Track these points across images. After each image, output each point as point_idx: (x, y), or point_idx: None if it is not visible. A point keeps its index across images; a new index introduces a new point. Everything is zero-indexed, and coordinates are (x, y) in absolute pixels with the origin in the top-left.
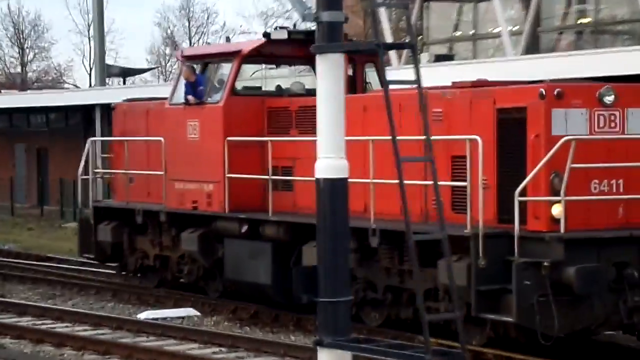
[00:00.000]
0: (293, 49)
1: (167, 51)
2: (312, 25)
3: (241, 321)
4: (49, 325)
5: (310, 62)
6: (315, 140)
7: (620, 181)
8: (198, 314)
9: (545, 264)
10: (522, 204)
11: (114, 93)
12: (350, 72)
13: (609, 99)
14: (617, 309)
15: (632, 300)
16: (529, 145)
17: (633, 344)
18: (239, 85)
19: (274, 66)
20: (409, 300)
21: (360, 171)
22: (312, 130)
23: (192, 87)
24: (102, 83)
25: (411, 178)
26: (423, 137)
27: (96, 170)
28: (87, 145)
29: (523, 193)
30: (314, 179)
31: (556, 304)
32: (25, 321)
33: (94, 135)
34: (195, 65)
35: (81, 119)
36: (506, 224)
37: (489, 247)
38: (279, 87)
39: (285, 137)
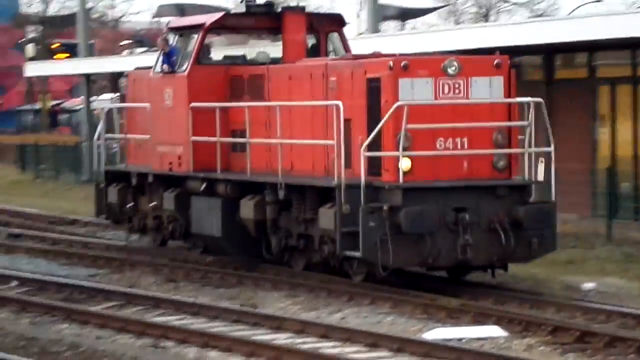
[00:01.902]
0: (256, 21)
1: None
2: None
3: (563, 345)
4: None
5: (272, 33)
6: (262, 107)
7: (465, 139)
8: (504, 334)
9: (385, 208)
10: (377, 159)
11: (390, 41)
12: (313, 41)
13: (452, 69)
14: (454, 246)
15: (464, 238)
16: (382, 110)
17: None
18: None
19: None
20: (313, 245)
21: (287, 133)
22: (260, 97)
23: (168, 57)
24: (375, 29)
25: (318, 138)
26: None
27: (105, 136)
28: (102, 113)
29: (375, 149)
30: (268, 141)
31: (392, 242)
32: (283, 338)
33: None
34: (173, 36)
35: None
36: (374, 176)
37: (352, 196)
38: (243, 56)
39: (239, 102)
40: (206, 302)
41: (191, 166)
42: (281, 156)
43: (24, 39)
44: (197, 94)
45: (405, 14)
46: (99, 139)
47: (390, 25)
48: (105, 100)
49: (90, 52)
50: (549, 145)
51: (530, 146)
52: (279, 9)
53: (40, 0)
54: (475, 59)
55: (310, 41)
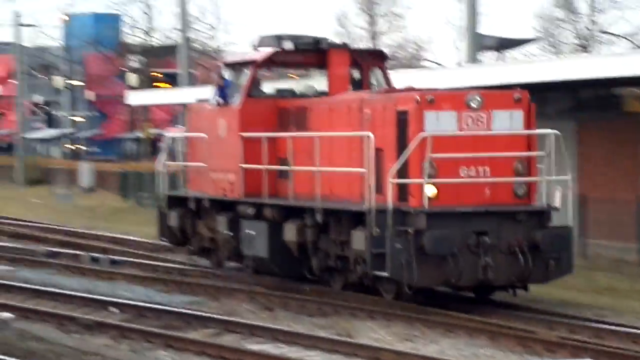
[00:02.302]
0: (303, 57)
1: (560, 15)
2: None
3: None
4: None
5: (318, 67)
6: (308, 137)
7: (487, 168)
8: None
9: (409, 231)
10: (405, 186)
11: (488, 72)
12: (357, 75)
13: (475, 103)
14: (475, 267)
15: (484, 260)
16: (409, 140)
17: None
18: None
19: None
20: (349, 266)
21: (327, 161)
22: (304, 128)
23: (222, 91)
24: (473, 59)
25: (354, 166)
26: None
27: (166, 163)
28: (166, 141)
29: (403, 177)
30: (305, 168)
31: (417, 262)
32: None
33: None
34: (227, 71)
35: None
36: (402, 201)
37: (381, 220)
38: (291, 90)
39: (285, 133)
40: (302, 331)
41: (242, 192)
42: (319, 183)
43: (126, 68)
44: (248, 125)
45: (503, 45)
46: (161, 166)
47: (488, 56)
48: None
49: (191, 82)
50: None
51: (548, 175)
52: (325, 46)
53: (143, 31)
54: (497, 94)
55: (355, 75)
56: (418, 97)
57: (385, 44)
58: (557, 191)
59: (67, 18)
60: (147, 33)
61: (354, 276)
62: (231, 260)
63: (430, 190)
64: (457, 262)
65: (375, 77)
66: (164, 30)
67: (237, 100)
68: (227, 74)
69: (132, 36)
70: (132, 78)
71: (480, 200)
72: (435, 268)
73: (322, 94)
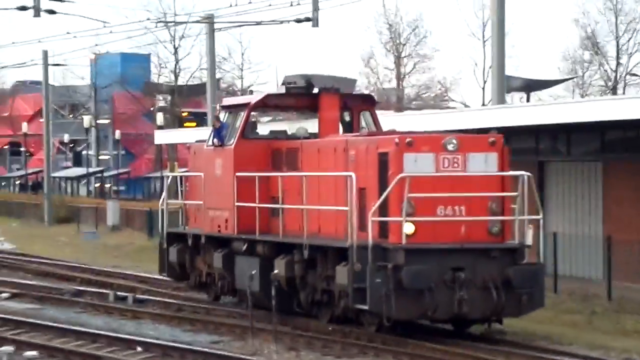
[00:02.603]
0: (295, 100)
1: (586, 57)
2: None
3: None
4: None
5: (310, 110)
6: (297, 176)
7: (463, 207)
8: None
9: (389, 266)
10: (385, 223)
11: (515, 113)
12: (347, 118)
13: (451, 146)
14: (451, 301)
15: (459, 294)
16: (389, 180)
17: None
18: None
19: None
20: (334, 299)
21: (315, 200)
22: (295, 168)
23: (218, 132)
24: (501, 100)
25: (340, 205)
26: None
27: (167, 201)
28: (166, 180)
29: (384, 215)
30: (293, 206)
31: (395, 296)
32: None
33: None
34: (224, 113)
35: None
36: (384, 238)
37: (363, 255)
38: (284, 131)
39: (277, 173)
40: None
41: (235, 229)
42: (307, 220)
43: (154, 108)
44: (242, 164)
45: (530, 86)
46: (162, 204)
47: (515, 97)
48: None
49: None
50: (539, 214)
51: (521, 214)
52: (316, 90)
53: (171, 71)
54: (472, 137)
55: (347, 118)
56: (397, 140)
57: (411, 85)
58: (529, 229)
59: (94, 57)
60: (174, 72)
61: (339, 310)
62: (227, 294)
63: (408, 228)
64: (434, 296)
65: (365, 119)
66: (192, 69)
67: (232, 141)
68: (223, 116)
69: (159, 75)
70: (159, 117)
71: (456, 238)
72: (412, 302)
73: (313, 135)
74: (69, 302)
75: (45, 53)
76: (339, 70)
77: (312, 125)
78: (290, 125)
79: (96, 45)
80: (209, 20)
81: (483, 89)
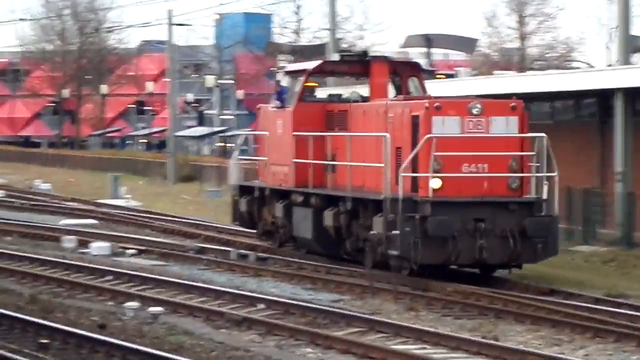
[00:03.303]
0: (348, 67)
1: None
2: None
3: None
4: None
5: (362, 76)
6: (344, 136)
7: (486, 165)
8: None
9: (417, 216)
10: (414, 178)
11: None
12: (399, 83)
13: (476, 110)
14: (473, 249)
15: (480, 242)
16: (419, 141)
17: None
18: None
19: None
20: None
21: (361, 157)
22: (344, 129)
23: (280, 95)
24: (626, 61)
25: (379, 162)
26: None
27: (238, 157)
28: (238, 138)
29: (415, 171)
30: (339, 163)
31: (422, 243)
32: None
33: (612, 129)
34: (286, 78)
35: (597, 109)
36: (415, 192)
37: (395, 207)
38: (339, 95)
39: (328, 132)
40: (447, 332)
41: (293, 182)
42: (351, 175)
43: (275, 68)
44: (300, 125)
45: None
46: (234, 159)
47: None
48: None
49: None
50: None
51: (537, 171)
52: (368, 57)
53: (292, 31)
54: (495, 102)
55: (397, 83)
56: (427, 104)
57: (534, 44)
58: (545, 185)
59: (218, 17)
60: (296, 33)
61: (378, 256)
62: (288, 241)
63: (435, 183)
64: (456, 244)
65: (414, 84)
66: (313, 30)
67: (291, 103)
68: (284, 81)
69: (281, 36)
70: (281, 77)
71: (479, 192)
72: (437, 248)
73: (365, 99)
74: (193, 259)
75: (170, 13)
76: (460, 29)
77: (365, 90)
78: (346, 90)
79: (220, 5)
80: None
81: (607, 49)
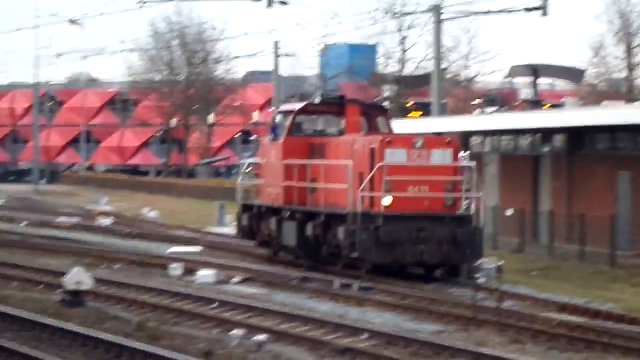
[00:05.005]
0: (328, 107)
1: None
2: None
3: None
4: None
5: (339, 115)
6: (320, 164)
7: (427, 187)
8: None
9: (371, 227)
10: (370, 197)
11: None
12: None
13: (419, 144)
14: (415, 252)
15: (421, 247)
16: (374, 168)
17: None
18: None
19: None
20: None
21: (336, 180)
22: (323, 157)
23: (274, 130)
24: None
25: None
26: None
27: (240, 182)
28: (242, 165)
29: (371, 191)
30: (313, 185)
31: (375, 247)
32: None
33: None
34: (279, 115)
35: None
36: (372, 207)
37: (355, 219)
38: (320, 130)
39: (308, 161)
40: None
41: (282, 201)
42: (324, 195)
43: (379, 98)
44: (288, 154)
45: None
46: (238, 183)
47: None
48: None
49: (443, 111)
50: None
51: (466, 191)
52: (343, 100)
53: (397, 61)
54: (434, 138)
55: (368, 121)
56: (381, 139)
57: None
58: (472, 204)
59: (323, 48)
60: (400, 62)
61: (344, 259)
62: (280, 250)
63: (386, 201)
64: (403, 248)
65: (380, 123)
66: (418, 59)
67: (281, 137)
68: (278, 118)
69: (386, 66)
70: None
71: (421, 208)
72: (388, 251)
73: (341, 133)
74: (296, 287)
75: (276, 44)
76: (567, 59)
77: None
78: (325, 126)
79: (325, 35)
80: (436, 10)
81: None
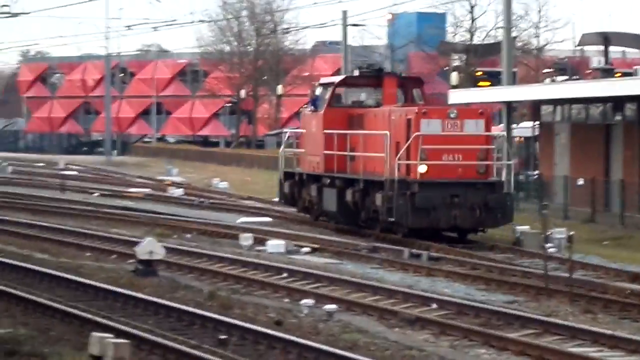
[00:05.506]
0: (366, 80)
1: None
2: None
3: None
4: None
5: (377, 87)
6: (359, 134)
7: (460, 155)
8: None
9: (408, 193)
10: (407, 165)
11: None
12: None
13: (453, 115)
14: (449, 217)
15: (454, 212)
16: (410, 137)
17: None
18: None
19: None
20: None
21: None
22: (361, 128)
23: (314, 102)
24: None
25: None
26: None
27: (284, 150)
28: (285, 135)
29: (408, 159)
30: (353, 154)
31: (411, 212)
32: None
33: None
34: (320, 88)
35: None
36: (408, 175)
37: (392, 186)
38: (360, 101)
39: (347, 131)
40: (625, 335)
41: (323, 169)
42: (363, 163)
43: (448, 67)
44: (328, 125)
45: None
46: (281, 152)
47: None
48: (525, 128)
49: (513, 80)
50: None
51: (497, 160)
52: (381, 73)
53: (466, 30)
54: (467, 109)
55: (404, 93)
56: (417, 110)
57: None
58: (503, 171)
59: (392, 17)
60: (470, 31)
61: (381, 224)
62: (321, 215)
63: (422, 168)
64: (437, 213)
65: (417, 94)
66: (487, 28)
67: (322, 108)
68: (318, 90)
69: (455, 35)
70: (454, 76)
71: (455, 176)
72: (423, 216)
73: (378, 105)
74: (366, 257)
75: (345, 13)
76: (639, 28)
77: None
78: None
79: (394, 4)
80: None
81: None
